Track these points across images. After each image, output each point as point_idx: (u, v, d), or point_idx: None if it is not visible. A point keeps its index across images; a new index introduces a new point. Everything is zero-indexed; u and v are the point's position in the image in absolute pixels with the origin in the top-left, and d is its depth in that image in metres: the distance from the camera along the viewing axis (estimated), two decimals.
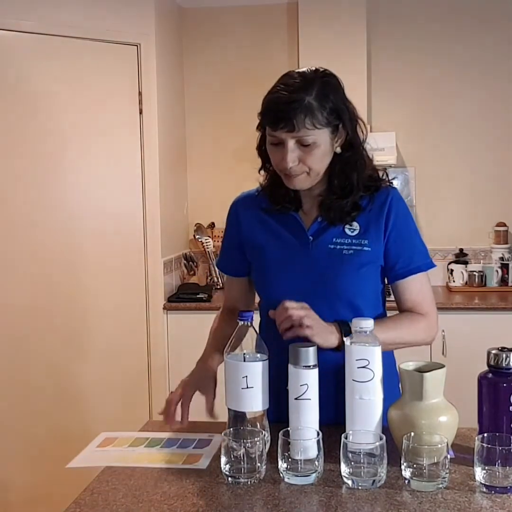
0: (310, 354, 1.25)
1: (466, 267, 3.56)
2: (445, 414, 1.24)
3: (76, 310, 3.07)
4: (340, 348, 1.36)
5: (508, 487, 1.12)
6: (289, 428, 1.23)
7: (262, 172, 1.55)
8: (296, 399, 1.25)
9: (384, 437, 1.17)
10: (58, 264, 3.02)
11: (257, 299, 1.64)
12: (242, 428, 1.26)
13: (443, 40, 3.72)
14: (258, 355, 1.28)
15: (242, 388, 1.27)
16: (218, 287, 3.63)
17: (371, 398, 1.25)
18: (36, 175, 2.97)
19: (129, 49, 3.17)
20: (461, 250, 3.70)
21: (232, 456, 1.20)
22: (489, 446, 1.13)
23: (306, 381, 1.24)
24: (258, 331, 1.33)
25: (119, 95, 3.16)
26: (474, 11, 3.68)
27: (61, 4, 2.98)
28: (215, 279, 3.68)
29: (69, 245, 3.05)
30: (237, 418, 1.29)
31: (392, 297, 1.55)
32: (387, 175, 1.54)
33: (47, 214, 3.00)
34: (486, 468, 1.14)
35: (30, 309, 2.94)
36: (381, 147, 3.26)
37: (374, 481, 1.16)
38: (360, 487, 1.16)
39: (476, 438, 1.16)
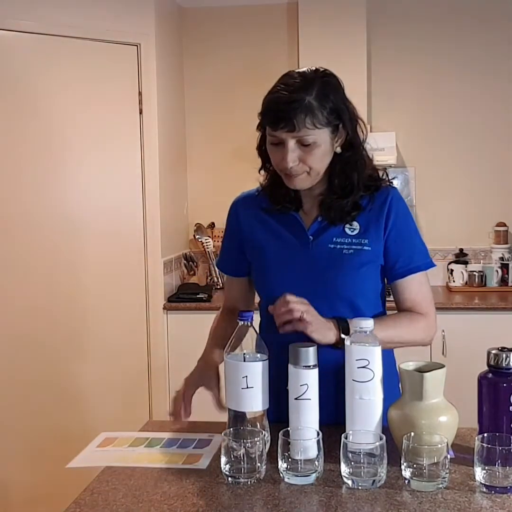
0: (310, 354, 1.25)
1: (466, 267, 3.56)
2: (445, 414, 1.24)
3: (76, 310, 3.07)
4: (338, 344, 1.36)
5: (508, 487, 1.12)
6: (289, 428, 1.23)
7: (262, 172, 1.55)
8: (296, 399, 1.26)
9: (384, 437, 1.17)
10: (58, 264, 3.02)
11: (257, 299, 1.64)
12: (242, 428, 1.26)
13: (443, 40, 3.72)
14: (258, 355, 1.28)
15: (242, 388, 1.27)
16: (218, 287, 3.63)
17: (371, 398, 1.25)
18: (36, 175, 2.97)
19: (129, 49, 3.17)
20: (461, 250, 3.70)
21: (232, 456, 1.20)
22: (489, 446, 1.13)
23: (306, 381, 1.24)
24: (258, 331, 1.33)
25: (119, 95, 3.16)
26: (474, 11, 3.69)
27: (61, 4, 2.98)
28: (215, 279, 3.68)
29: (69, 245, 3.05)
30: (237, 418, 1.29)
31: (392, 297, 1.55)
32: (387, 175, 1.54)
33: (47, 214, 3.00)
34: (486, 468, 1.14)
35: (30, 309, 2.94)
36: (381, 147, 3.26)
37: (374, 481, 1.16)
38: (360, 487, 1.16)
39: (476, 438, 1.16)
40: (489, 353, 1.26)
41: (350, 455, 1.17)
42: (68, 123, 3.03)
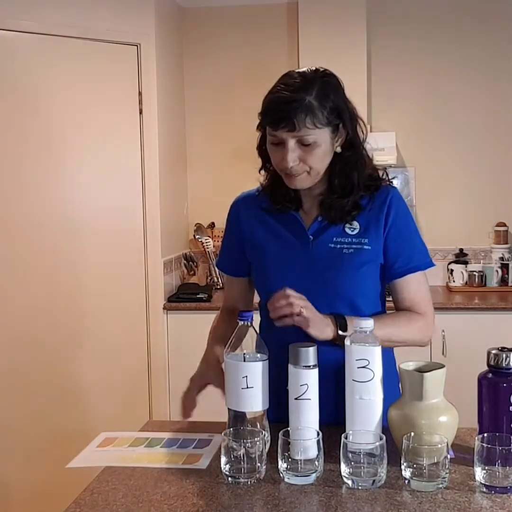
0: (310, 354, 1.25)
1: (466, 267, 3.56)
2: (445, 414, 1.24)
3: (76, 310, 3.07)
4: (336, 340, 1.37)
5: (508, 487, 1.12)
6: (289, 428, 1.23)
7: (263, 172, 1.56)
8: (296, 399, 1.25)
9: (384, 437, 1.17)
10: (58, 264, 3.02)
11: (257, 299, 1.64)
12: (242, 428, 1.26)
13: (443, 40, 3.72)
14: (258, 355, 1.28)
15: (242, 388, 1.26)
16: (218, 287, 3.63)
17: (371, 398, 1.25)
18: (36, 175, 2.97)
19: (129, 49, 3.17)
20: (461, 250, 3.70)
21: (232, 456, 1.20)
22: (489, 446, 1.13)
23: (306, 381, 1.24)
24: (258, 331, 1.33)
25: (119, 95, 3.16)
26: (474, 11, 3.68)
27: (61, 4, 2.98)
28: (215, 279, 3.68)
29: (69, 245, 3.05)
30: (237, 418, 1.29)
31: (391, 297, 1.55)
32: (387, 175, 1.54)
33: (47, 214, 3.00)
34: (486, 468, 1.14)
35: (30, 309, 2.94)
36: (381, 147, 3.26)
37: (374, 481, 1.16)
38: (360, 487, 1.16)
39: (476, 438, 1.16)
40: (489, 353, 1.26)
41: (350, 455, 1.17)
42: (68, 123, 3.03)
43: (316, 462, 1.19)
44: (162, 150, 3.31)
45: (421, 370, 1.26)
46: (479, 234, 3.70)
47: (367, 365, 1.24)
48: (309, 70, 1.41)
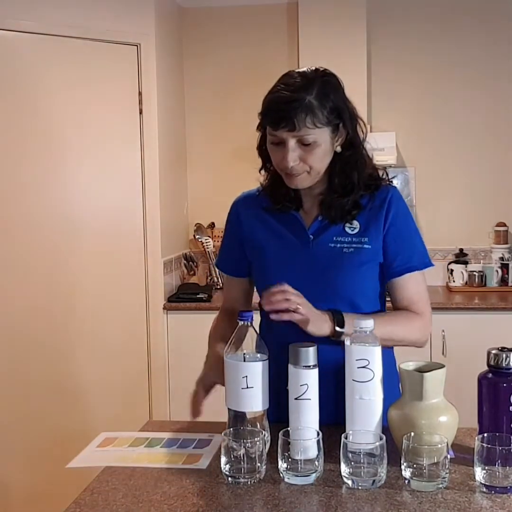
0: (310, 354, 1.25)
1: (466, 267, 3.56)
2: (445, 414, 1.24)
3: (76, 310, 3.07)
4: (333, 336, 1.37)
5: (508, 487, 1.12)
6: (289, 428, 1.23)
7: (263, 172, 1.56)
8: (296, 399, 1.25)
9: (384, 437, 1.17)
10: (58, 264, 3.02)
11: (256, 299, 1.64)
12: (242, 428, 1.26)
13: (443, 40, 3.72)
14: (258, 355, 1.28)
15: (242, 388, 1.26)
16: (218, 287, 3.63)
17: (371, 398, 1.25)
18: (36, 175, 2.97)
19: (129, 49, 3.17)
20: (461, 250, 3.70)
21: (232, 456, 1.20)
22: (489, 446, 1.13)
23: (306, 381, 1.24)
24: (258, 331, 1.32)
25: (119, 95, 3.16)
26: (474, 11, 3.69)
27: (61, 4, 2.98)
28: (215, 279, 3.68)
29: (69, 245, 3.05)
30: (237, 418, 1.29)
31: None
32: (387, 174, 1.55)
33: (47, 214, 3.00)
34: (486, 468, 1.14)
35: (30, 309, 2.94)
36: (381, 147, 3.25)
37: (374, 481, 1.16)
38: (360, 487, 1.16)
39: (476, 438, 1.16)
40: (489, 353, 1.26)
41: (350, 455, 1.17)
42: (68, 123, 3.03)
43: (316, 462, 1.19)
44: (162, 150, 3.31)
45: (421, 370, 1.26)
46: (479, 234, 3.70)
47: (367, 365, 1.24)
48: (309, 70, 1.41)
